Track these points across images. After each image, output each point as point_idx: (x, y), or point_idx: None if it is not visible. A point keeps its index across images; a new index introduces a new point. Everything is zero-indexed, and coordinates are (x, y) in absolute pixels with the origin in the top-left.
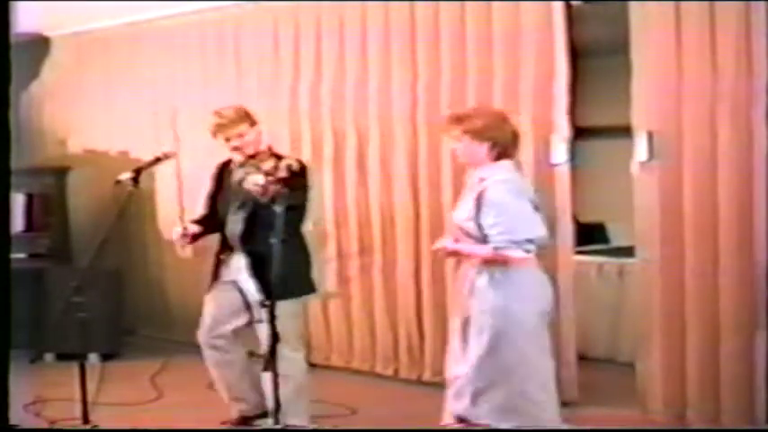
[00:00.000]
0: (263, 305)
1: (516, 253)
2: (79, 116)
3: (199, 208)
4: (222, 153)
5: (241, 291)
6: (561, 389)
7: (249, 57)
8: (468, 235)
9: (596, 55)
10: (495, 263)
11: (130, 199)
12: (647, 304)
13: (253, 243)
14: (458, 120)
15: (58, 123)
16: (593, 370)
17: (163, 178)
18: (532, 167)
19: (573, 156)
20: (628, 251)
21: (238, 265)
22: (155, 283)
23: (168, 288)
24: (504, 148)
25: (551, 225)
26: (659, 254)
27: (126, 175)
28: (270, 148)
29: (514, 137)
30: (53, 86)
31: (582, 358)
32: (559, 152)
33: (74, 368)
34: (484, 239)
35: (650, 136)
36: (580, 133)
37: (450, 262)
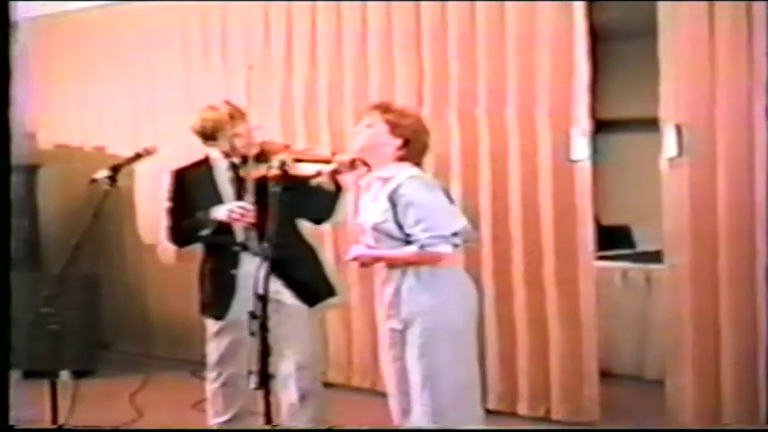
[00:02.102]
0: (253, 317)
1: (445, 248)
2: (50, 108)
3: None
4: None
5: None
6: (582, 408)
7: (236, 45)
8: (390, 237)
9: (619, 39)
10: (421, 263)
11: (107, 199)
12: (677, 314)
13: (275, 246)
14: (385, 108)
15: (27, 116)
16: (617, 387)
17: (143, 176)
18: (550, 164)
19: (594, 151)
20: (655, 256)
21: (254, 278)
22: (134, 292)
23: (149, 297)
24: (413, 151)
25: (571, 227)
26: (690, 258)
27: (102, 174)
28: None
29: (424, 147)
30: (20, 75)
31: (604, 374)
32: (579, 147)
33: (44, 387)
34: (406, 239)
35: (679, 129)
36: (602, 126)
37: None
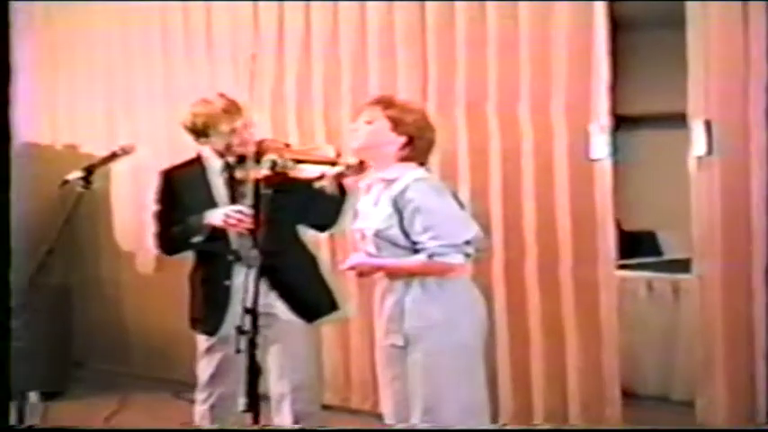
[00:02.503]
0: (241, 332)
1: (457, 258)
2: (15, 103)
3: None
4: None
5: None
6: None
7: (222, 34)
8: (394, 245)
9: (642, 28)
10: (429, 273)
11: (81, 202)
12: (708, 329)
13: (270, 255)
14: (387, 103)
15: None
16: (642, 409)
17: (120, 178)
18: (567, 164)
19: (615, 150)
20: (683, 265)
21: (249, 291)
22: (110, 305)
23: (127, 310)
24: (418, 150)
25: (590, 233)
26: (721, 267)
27: (75, 174)
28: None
29: (430, 144)
30: None
31: (628, 395)
32: (599, 145)
33: (10, 410)
34: (413, 246)
35: (709, 125)
36: (623, 122)
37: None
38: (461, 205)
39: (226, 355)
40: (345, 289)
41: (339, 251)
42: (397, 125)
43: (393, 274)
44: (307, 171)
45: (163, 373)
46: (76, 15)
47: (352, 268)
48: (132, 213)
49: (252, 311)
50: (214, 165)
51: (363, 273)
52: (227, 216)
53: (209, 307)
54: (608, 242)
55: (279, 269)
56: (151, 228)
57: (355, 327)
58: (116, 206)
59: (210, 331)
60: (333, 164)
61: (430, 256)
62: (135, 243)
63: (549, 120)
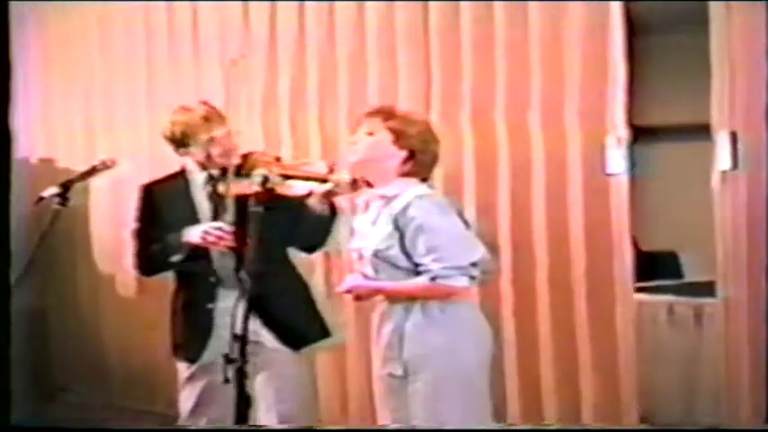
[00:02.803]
0: (228, 360)
1: (461, 281)
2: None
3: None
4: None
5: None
6: None
7: (209, 37)
8: (394, 266)
9: (661, 30)
10: (430, 297)
11: (57, 221)
12: (733, 356)
13: (252, 278)
14: (386, 114)
15: None
16: None
17: (99, 194)
18: (580, 178)
19: (633, 163)
20: (706, 287)
21: (237, 313)
22: (88, 331)
23: (106, 337)
24: (421, 164)
25: (605, 253)
26: (747, 290)
27: (51, 191)
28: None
29: (434, 159)
30: None
31: (647, 425)
32: (615, 158)
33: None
34: (414, 268)
35: (734, 137)
36: (641, 133)
37: None
38: (467, 224)
39: (209, 383)
40: (342, 313)
41: (335, 272)
42: (398, 138)
43: (392, 297)
44: (295, 188)
45: (144, 404)
46: (52, 18)
47: (348, 291)
48: (112, 232)
49: (241, 338)
50: (197, 178)
51: (360, 296)
52: (206, 233)
53: (190, 332)
54: (625, 263)
55: (264, 293)
56: (131, 247)
57: (353, 354)
58: (95, 225)
59: (192, 358)
60: (323, 180)
61: (432, 279)
62: (115, 264)
63: (561, 130)
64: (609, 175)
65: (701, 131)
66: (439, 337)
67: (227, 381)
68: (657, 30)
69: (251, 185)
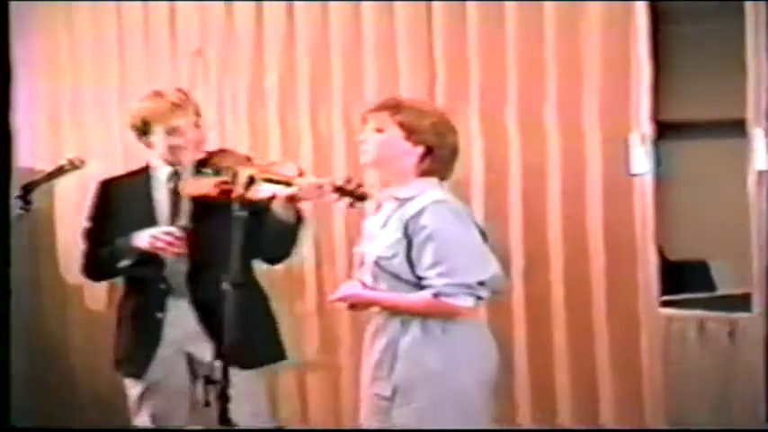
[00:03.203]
0: (209, 382)
1: (465, 301)
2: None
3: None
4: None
5: (192, 363)
6: None
7: (189, 27)
8: (395, 277)
9: (690, 18)
10: (431, 315)
11: (19, 226)
12: None
13: (201, 287)
14: (393, 107)
15: None
16: None
17: (65, 197)
18: (601, 180)
19: (658, 163)
20: (741, 300)
21: (186, 325)
22: (54, 348)
23: (73, 354)
24: (439, 161)
25: (629, 263)
26: None
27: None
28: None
29: (453, 153)
30: None
31: None
32: (639, 158)
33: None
34: (417, 281)
35: None
36: (668, 130)
37: None
38: (485, 237)
39: (163, 406)
40: (336, 327)
41: (327, 283)
42: (411, 133)
43: (390, 310)
44: (260, 191)
45: (114, 426)
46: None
47: (342, 299)
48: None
49: (223, 356)
50: (161, 175)
51: (355, 306)
52: (154, 238)
53: (135, 343)
54: (650, 274)
55: (215, 305)
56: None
57: (347, 376)
58: (61, 231)
59: (136, 373)
60: (288, 184)
61: (435, 296)
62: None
63: (579, 128)
64: (632, 175)
65: (735, 128)
66: (436, 359)
67: (207, 404)
68: (686, 17)
69: (209, 185)
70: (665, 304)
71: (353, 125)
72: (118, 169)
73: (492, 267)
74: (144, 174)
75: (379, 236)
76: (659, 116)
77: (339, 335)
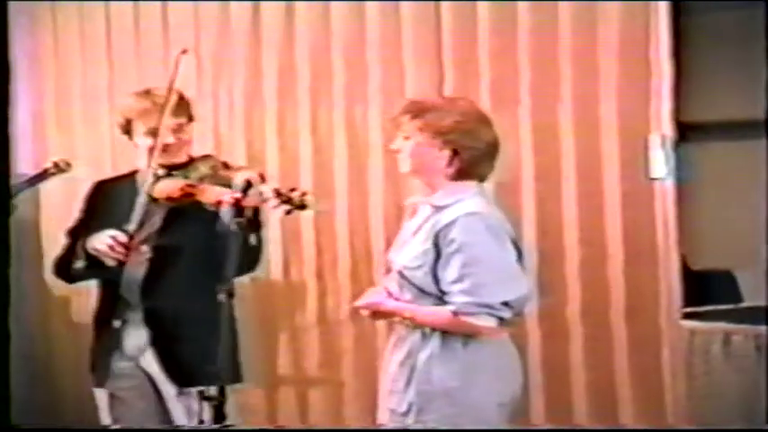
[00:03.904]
0: (205, 398)
1: (486, 321)
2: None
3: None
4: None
5: (150, 377)
6: None
7: (183, 22)
8: (420, 289)
9: (712, 10)
10: (452, 331)
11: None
12: None
13: (155, 299)
14: (417, 110)
15: None
16: None
17: (51, 202)
18: (619, 184)
19: (680, 166)
20: None
21: (139, 338)
22: (39, 363)
23: (58, 371)
24: (473, 162)
25: (649, 273)
26: None
27: None
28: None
29: (491, 149)
30: None
31: None
32: (660, 161)
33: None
34: (441, 295)
35: None
36: (690, 132)
37: None
38: (520, 254)
39: (130, 421)
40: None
41: (330, 295)
42: (433, 137)
43: (412, 321)
44: (207, 192)
45: None
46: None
47: (365, 307)
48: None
49: (217, 373)
50: (147, 176)
51: (378, 315)
52: (99, 242)
53: (96, 352)
54: (672, 285)
55: (166, 319)
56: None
57: (350, 391)
58: (46, 238)
59: (97, 382)
60: (229, 187)
61: (455, 313)
62: (70, 286)
63: (597, 128)
64: (652, 179)
65: (761, 129)
66: (454, 375)
67: (201, 422)
68: (708, 10)
69: (175, 187)
70: (688, 316)
71: (356, 126)
72: (106, 173)
73: (520, 288)
74: (132, 176)
75: (409, 244)
76: (681, 117)
77: (342, 349)
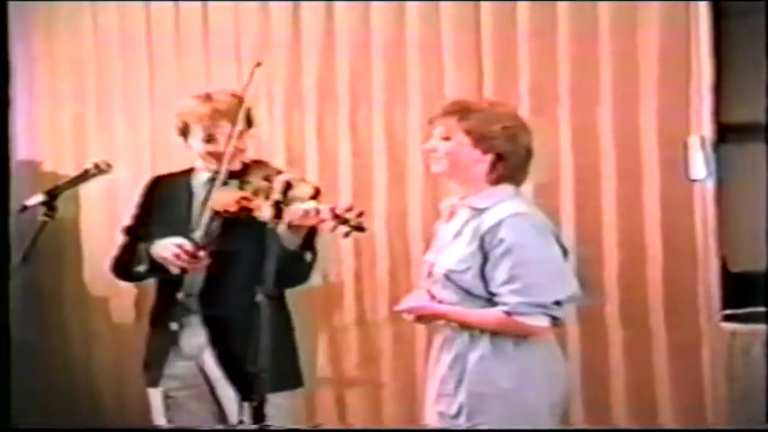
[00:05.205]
0: (245, 399)
1: (540, 321)
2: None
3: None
4: (178, 164)
5: (208, 380)
6: None
7: (223, 23)
8: (468, 292)
9: (753, 11)
10: (503, 333)
11: (42, 234)
12: None
13: (214, 305)
14: (461, 111)
15: None
16: None
17: (92, 203)
18: (658, 186)
19: (720, 168)
20: None
21: (197, 341)
22: (79, 366)
23: (99, 373)
24: (512, 168)
25: (688, 275)
26: None
27: (36, 199)
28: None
29: (527, 156)
30: None
31: None
32: (699, 163)
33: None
34: (489, 297)
35: None
36: (730, 133)
37: None
38: (565, 252)
39: (183, 421)
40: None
41: (367, 297)
42: (479, 140)
43: (460, 324)
44: (262, 209)
45: None
46: (40, 9)
47: (409, 311)
48: (106, 248)
49: (256, 374)
50: (201, 179)
51: (423, 319)
52: (164, 249)
53: (152, 352)
54: (711, 286)
55: (225, 324)
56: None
57: (390, 393)
58: (86, 239)
59: (151, 382)
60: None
61: (508, 314)
62: (110, 286)
63: (636, 129)
64: (692, 181)
65: None
66: (507, 376)
67: (240, 422)
68: (749, 10)
69: (231, 200)
70: (728, 318)
71: (395, 128)
72: (146, 174)
73: (570, 287)
74: (188, 175)
75: (452, 247)
76: (720, 118)
77: (380, 350)
